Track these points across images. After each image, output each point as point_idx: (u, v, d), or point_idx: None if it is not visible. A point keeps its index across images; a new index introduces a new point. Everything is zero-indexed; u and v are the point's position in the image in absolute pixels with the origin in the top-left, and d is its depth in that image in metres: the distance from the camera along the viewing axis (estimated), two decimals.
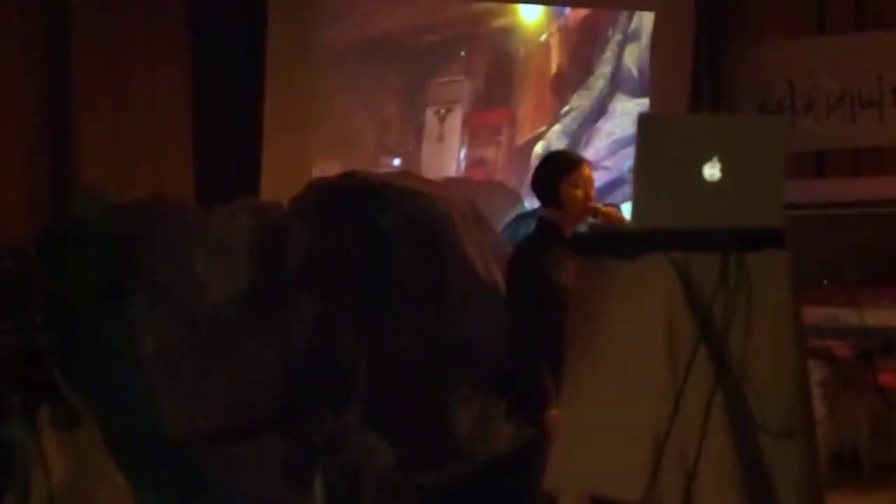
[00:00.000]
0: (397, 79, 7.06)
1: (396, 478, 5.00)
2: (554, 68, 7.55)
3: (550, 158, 5.22)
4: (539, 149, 7.40)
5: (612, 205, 5.14)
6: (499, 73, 7.40)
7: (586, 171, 4.97)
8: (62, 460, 4.60)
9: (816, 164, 7.47)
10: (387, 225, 5.27)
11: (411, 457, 5.02)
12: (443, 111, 7.24)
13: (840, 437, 6.00)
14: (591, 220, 4.92)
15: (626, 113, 7.53)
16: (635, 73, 7.68)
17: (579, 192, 4.90)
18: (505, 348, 5.02)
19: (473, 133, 7.36)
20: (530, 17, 7.47)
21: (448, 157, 7.29)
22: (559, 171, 4.94)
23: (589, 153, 6.92)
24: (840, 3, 7.45)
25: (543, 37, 7.51)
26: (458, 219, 5.44)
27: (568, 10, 7.56)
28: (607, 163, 7.31)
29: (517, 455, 4.96)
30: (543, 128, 7.49)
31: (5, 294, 4.55)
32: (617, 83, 7.62)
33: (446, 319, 5.21)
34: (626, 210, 5.90)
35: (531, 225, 5.31)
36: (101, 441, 4.85)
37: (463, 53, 7.31)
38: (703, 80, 7.66)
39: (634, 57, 7.67)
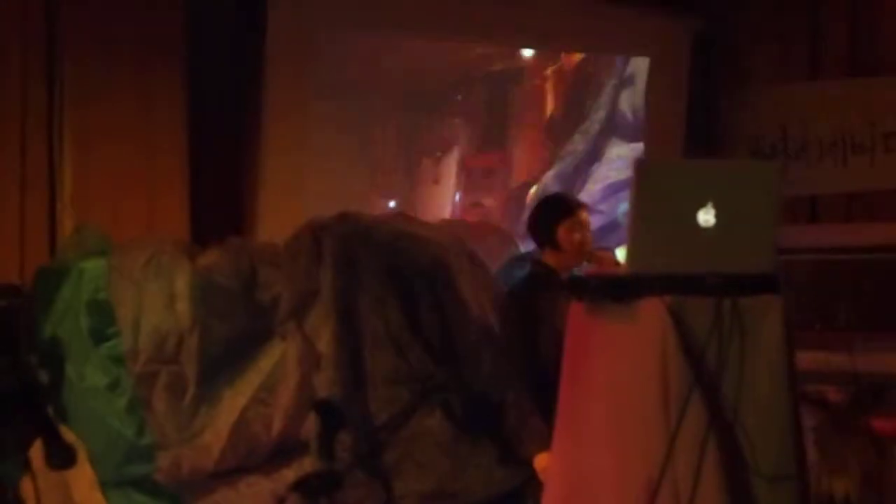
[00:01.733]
0: (393, 121, 7.09)
1: None
2: (549, 112, 7.59)
3: (548, 201, 5.23)
4: (534, 192, 7.42)
5: (607, 248, 5.15)
6: (494, 117, 7.44)
7: (584, 215, 4.98)
8: (55, 498, 4.58)
9: (809, 209, 7.50)
10: (380, 266, 5.28)
11: (402, 497, 5.00)
12: (438, 154, 7.27)
13: (832, 483, 5.98)
14: (585, 264, 4.93)
15: (620, 157, 7.56)
16: (630, 117, 7.72)
17: (576, 237, 4.91)
18: (498, 390, 5.02)
19: (469, 176, 7.39)
20: (526, 62, 7.51)
21: (443, 199, 7.31)
22: (557, 214, 4.95)
23: (583, 197, 6.93)
24: (833, 49, 7.49)
25: (539, 81, 7.55)
26: (453, 260, 5.45)
27: (563, 54, 7.60)
28: (601, 207, 7.33)
29: (508, 497, 4.95)
30: (538, 171, 7.52)
31: None
32: (612, 127, 7.66)
33: (438, 359, 5.22)
34: (621, 254, 5.93)
35: (526, 267, 5.32)
36: (94, 479, 4.84)
37: (459, 97, 7.35)
38: (697, 125, 7.69)
39: (629, 101, 7.71)
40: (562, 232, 4.91)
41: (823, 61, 7.54)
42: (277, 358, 5.13)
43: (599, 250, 5.01)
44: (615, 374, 3.80)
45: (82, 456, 4.63)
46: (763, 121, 7.63)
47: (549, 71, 7.56)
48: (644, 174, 3.86)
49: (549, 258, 4.97)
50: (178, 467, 4.95)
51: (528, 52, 7.49)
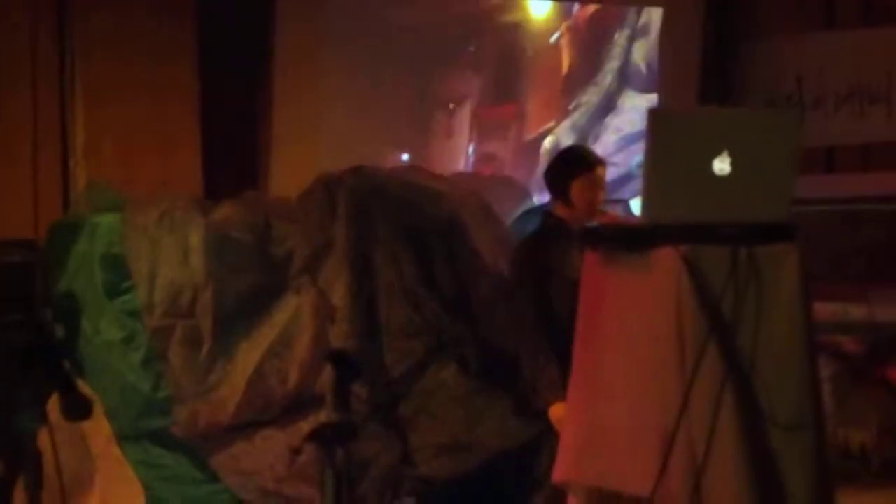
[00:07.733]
0: (406, 74, 7.05)
1: (402, 470, 5.01)
2: (562, 63, 7.55)
3: (567, 154, 5.12)
4: (548, 144, 7.40)
5: (620, 200, 5.12)
6: (507, 69, 7.41)
7: (599, 172, 4.88)
8: (72, 451, 4.61)
9: (826, 160, 7.47)
10: (394, 219, 5.27)
11: (417, 450, 5.02)
12: (451, 106, 7.24)
13: (848, 433, 5.98)
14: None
15: (634, 108, 7.53)
16: (644, 68, 7.68)
17: (588, 195, 4.85)
18: (512, 342, 5.02)
19: (482, 128, 7.36)
20: (539, 13, 7.47)
21: (457, 151, 7.29)
22: (572, 169, 4.88)
23: (598, 148, 6.90)
24: None
25: (552, 32, 7.51)
26: (467, 213, 5.44)
27: (577, 5, 7.55)
28: (616, 158, 7.31)
29: (524, 449, 4.96)
30: (552, 123, 7.49)
31: (14, 287, 4.56)
32: (625, 79, 7.62)
33: (453, 312, 5.22)
34: (636, 205, 5.91)
35: (538, 220, 5.30)
36: (111, 433, 4.86)
37: (472, 49, 7.31)
38: (711, 75, 7.65)
39: (643, 53, 7.67)
40: (575, 188, 4.85)
41: (839, 11, 7.49)
42: (292, 312, 5.14)
43: (609, 210, 4.98)
44: (630, 324, 3.79)
45: (98, 409, 4.65)
46: (779, 71, 7.59)
47: (562, 22, 7.51)
48: (659, 124, 3.84)
49: (561, 211, 4.94)
50: (194, 421, 4.97)
51: (541, 3, 7.44)
